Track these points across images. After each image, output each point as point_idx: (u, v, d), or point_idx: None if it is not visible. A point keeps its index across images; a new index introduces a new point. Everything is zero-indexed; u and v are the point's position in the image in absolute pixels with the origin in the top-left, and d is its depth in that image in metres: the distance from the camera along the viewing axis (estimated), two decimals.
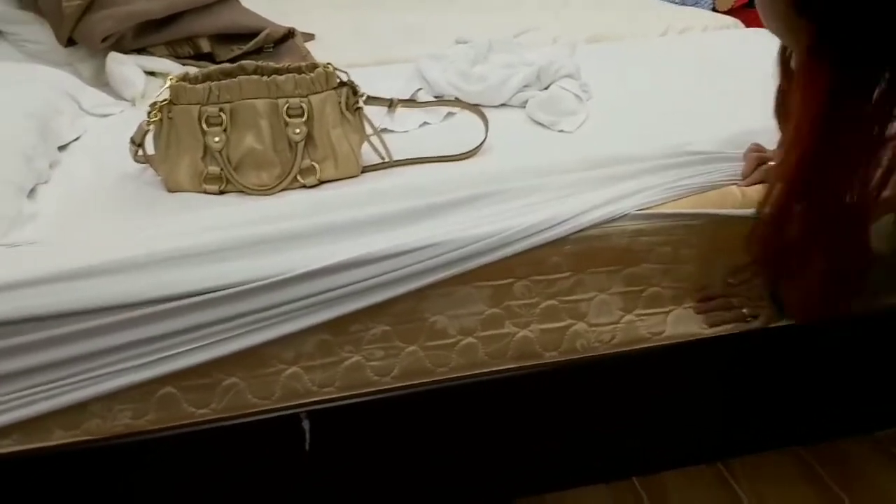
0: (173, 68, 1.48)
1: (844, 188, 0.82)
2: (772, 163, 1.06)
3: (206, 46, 1.56)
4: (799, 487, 1.27)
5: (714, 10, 2.20)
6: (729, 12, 2.17)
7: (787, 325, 1.14)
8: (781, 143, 0.94)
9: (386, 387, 1.05)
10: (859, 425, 1.35)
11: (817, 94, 0.76)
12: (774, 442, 1.32)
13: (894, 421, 1.36)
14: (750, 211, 1.03)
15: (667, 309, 1.11)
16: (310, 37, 1.81)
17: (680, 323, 1.12)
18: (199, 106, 1.05)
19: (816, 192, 0.83)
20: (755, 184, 1.06)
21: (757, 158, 1.07)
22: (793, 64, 0.86)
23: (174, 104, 1.06)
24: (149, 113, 1.06)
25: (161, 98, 1.06)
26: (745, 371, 1.20)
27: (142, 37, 1.50)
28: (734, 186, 1.07)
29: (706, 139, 1.14)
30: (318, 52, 1.67)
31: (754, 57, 1.59)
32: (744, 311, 1.11)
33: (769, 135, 1.12)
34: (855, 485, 1.26)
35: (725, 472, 1.29)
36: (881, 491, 1.26)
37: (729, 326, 1.12)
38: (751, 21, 2.10)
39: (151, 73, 1.48)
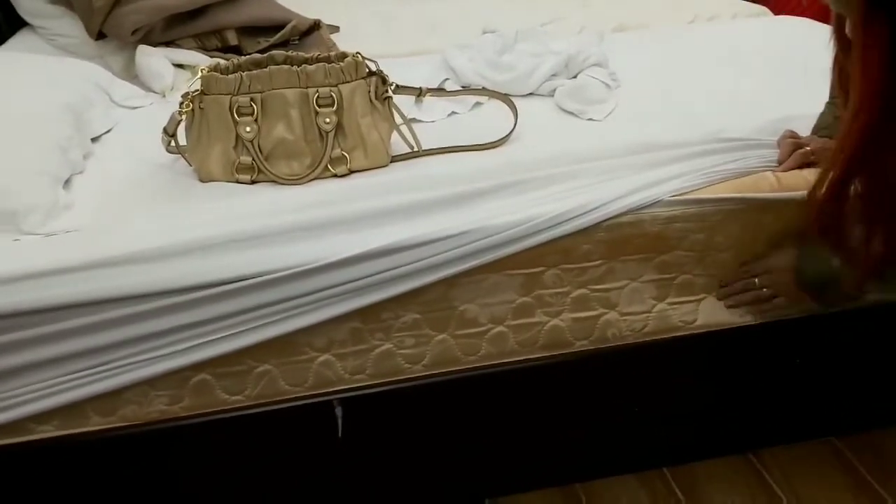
0: (202, 61, 1.49)
1: None
2: (807, 148, 1.05)
3: (233, 39, 1.57)
4: (831, 477, 1.25)
5: None
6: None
7: (820, 314, 1.12)
8: (844, 114, 0.91)
9: (417, 374, 1.06)
10: (894, 416, 1.33)
11: (878, 56, 0.73)
12: (807, 432, 1.31)
13: None
14: (785, 195, 1.01)
15: (699, 297, 1.10)
16: (335, 29, 1.81)
17: (712, 311, 1.11)
18: (230, 96, 1.05)
19: (879, 161, 0.80)
20: (791, 169, 1.04)
21: (792, 144, 1.06)
22: (847, 31, 0.83)
23: (205, 94, 1.06)
24: (181, 103, 1.07)
25: (193, 88, 1.07)
26: (778, 360, 1.18)
27: (170, 30, 1.52)
28: (769, 172, 1.06)
29: (738, 126, 1.13)
30: (344, 44, 1.67)
31: (784, 45, 1.58)
32: (764, 290, 1.08)
33: (803, 121, 1.12)
34: (891, 475, 1.25)
35: (756, 462, 1.28)
36: None
37: (768, 313, 1.10)
38: (779, 8, 2.06)
39: (180, 66, 1.50)
